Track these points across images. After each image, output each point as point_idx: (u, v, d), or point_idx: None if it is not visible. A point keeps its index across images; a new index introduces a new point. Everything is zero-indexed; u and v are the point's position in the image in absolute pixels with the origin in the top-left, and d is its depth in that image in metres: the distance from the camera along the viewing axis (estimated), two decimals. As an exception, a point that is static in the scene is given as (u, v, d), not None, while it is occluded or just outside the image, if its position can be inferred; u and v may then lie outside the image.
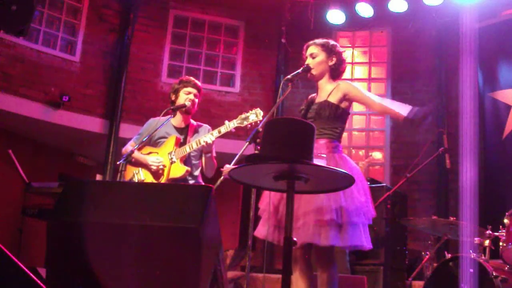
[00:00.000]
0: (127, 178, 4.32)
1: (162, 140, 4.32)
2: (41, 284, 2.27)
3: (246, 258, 3.42)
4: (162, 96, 8.18)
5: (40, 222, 5.00)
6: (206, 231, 2.24)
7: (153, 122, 4.39)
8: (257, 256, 7.05)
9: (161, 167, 4.17)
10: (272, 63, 8.46)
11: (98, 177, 7.27)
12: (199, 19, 8.76)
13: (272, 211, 3.28)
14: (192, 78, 4.44)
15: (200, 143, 4.12)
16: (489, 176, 6.78)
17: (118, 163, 4.12)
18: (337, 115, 3.42)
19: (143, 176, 4.25)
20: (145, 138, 4.21)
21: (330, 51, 3.57)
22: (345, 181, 2.64)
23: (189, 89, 4.36)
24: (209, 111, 8.02)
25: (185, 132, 4.39)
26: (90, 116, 7.80)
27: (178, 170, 4.16)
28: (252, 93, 8.49)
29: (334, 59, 3.56)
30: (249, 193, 3.47)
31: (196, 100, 4.40)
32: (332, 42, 3.64)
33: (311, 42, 3.66)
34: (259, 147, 2.96)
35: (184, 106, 4.32)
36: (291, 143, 2.43)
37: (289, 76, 3.47)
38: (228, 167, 3.39)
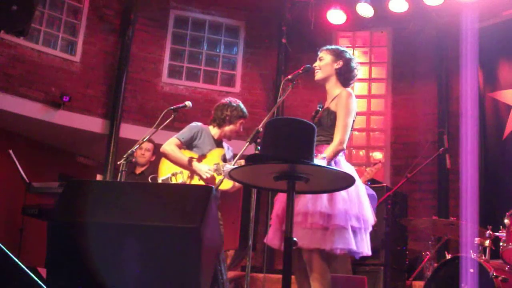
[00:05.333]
0: (162, 175, 4.38)
1: (204, 147, 4.41)
2: (42, 284, 2.27)
3: (247, 258, 3.42)
4: (162, 96, 8.18)
5: (41, 222, 5.01)
6: (206, 231, 2.24)
7: (198, 127, 4.49)
8: (258, 256, 7.05)
9: (208, 176, 4.24)
10: (272, 63, 8.46)
11: (99, 177, 7.26)
12: (200, 19, 8.76)
13: (279, 219, 3.30)
14: (244, 107, 4.64)
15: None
16: (490, 176, 6.77)
17: (118, 163, 4.14)
18: (335, 123, 3.41)
19: (185, 178, 4.29)
20: (198, 141, 4.39)
21: (337, 54, 3.56)
22: (345, 182, 2.64)
23: (243, 120, 4.59)
24: (210, 112, 7.98)
25: (221, 146, 4.56)
26: (90, 116, 7.80)
27: (225, 183, 4.18)
28: (252, 93, 8.49)
29: (341, 62, 3.53)
30: (249, 193, 3.48)
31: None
32: (342, 48, 3.64)
33: (325, 46, 3.66)
34: (259, 147, 2.96)
35: (184, 106, 4.41)
36: (291, 143, 2.43)
37: (289, 77, 3.48)
38: (228, 167, 3.40)
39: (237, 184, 4.17)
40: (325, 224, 3.14)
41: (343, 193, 3.16)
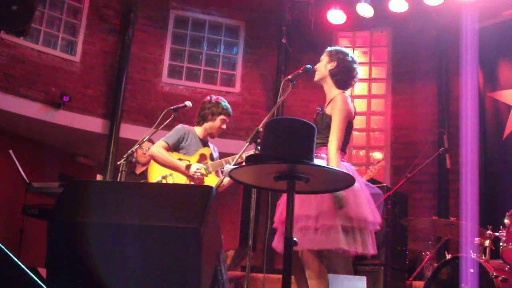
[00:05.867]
0: (153, 178, 4.42)
1: (191, 148, 4.44)
2: (42, 284, 2.27)
3: (247, 258, 3.41)
4: (162, 96, 8.18)
5: (41, 222, 5.01)
6: (206, 231, 2.23)
7: (184, 129, 4.50)
8: (257, 256, 7.05)
9: (198, 175, 4.27)
10: (272, 63, 8.46)
11: (98, 177, 7.26)
12: (200, 19, 8.76)
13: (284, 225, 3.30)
14: (228, 105, 4.59)
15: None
16: (489, 176, 6.78)
17: (118, 163, 4.16)
18: (330, 125, 3.42)
19: (175, 180, 4.32)
20: (185, 143, 4.42)
21: (331, 55, 3.57)
22: (345, 182, 2.64)
23: (226, 118, 4.52)
24: (210, 111, 8.01)
25: (207, 145, 4.56)
26: (90, 116, 7.80)
27: (214, 182, 4.21)
28: (252, 93, 8.49)
29: (334, 63, 3.54)
30: (249, 193, 3.48)
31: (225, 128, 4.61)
32: (340, 49, 3.62)
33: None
34: (259, 147, 2.96)
35: (184, 106, 4.44)
36: (291, 143, 2.43)
37: (289, 77, 3.49)
38: (228, 167, 3.40)
39: (224, 183, 4.20)
40: (314, 225, 3.15)
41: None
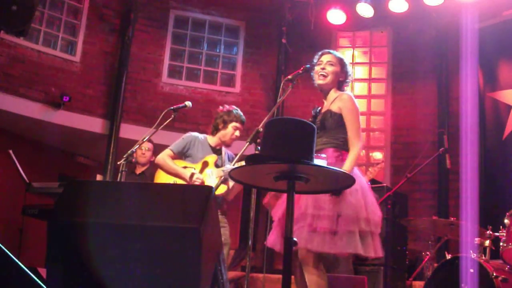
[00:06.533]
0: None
1: (198, 156, 4.47)
2: (42, 284, 2.27)
3: (247, 258, 3.42)
4: (162, 96, 8.18)
5: (40, 222, 5.01)
6: (206, 231, 2.23)
7: (191, 137, 4.54)
8: (257, 256, 7.05)
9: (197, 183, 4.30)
10: (272, 63, 8.46)
11: (98, 177, 7.26)
12: (200, 19, 8.77)
13: (279, 221, 3.29)
14: (240, 113, 4.61)
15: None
16: (489, 176, 6.77)
17: (118, 163, 4.17)
18: (340, 124, 3.46)
19: None
20: (191, 151, 4.46)
21: (343, 67, 3.66)
22: (345, 182, 2.64)
23: (238, 124, 4.55)
24: (210, 112, 8.00)
25: (220, 153, 4.57)
26: (90, 116, 7.80)
27: (220, 189, 4.22)
28: (252, 93, 8.49)
29: (344, 75, 3.66)
30: (249, 193, 3.48)
31: (239, 135, 4.60)
32: (346, 60, 3.75)
33: (329, 50, 3.75)
34: (259, 147, 2.97)
35: (184, 106, 4.44)
36: (291, 143, 2.43)
37: (289, 77, 3.49)
38: (228, 167, 3.41)
39: (234, 189, 4.21)
40: (334, 228, 3.15)
41: (353, 197, 3.17)
